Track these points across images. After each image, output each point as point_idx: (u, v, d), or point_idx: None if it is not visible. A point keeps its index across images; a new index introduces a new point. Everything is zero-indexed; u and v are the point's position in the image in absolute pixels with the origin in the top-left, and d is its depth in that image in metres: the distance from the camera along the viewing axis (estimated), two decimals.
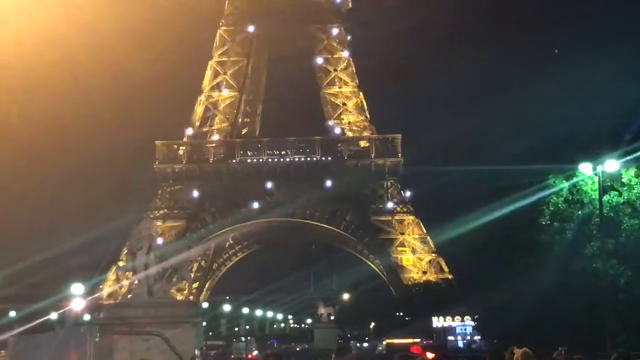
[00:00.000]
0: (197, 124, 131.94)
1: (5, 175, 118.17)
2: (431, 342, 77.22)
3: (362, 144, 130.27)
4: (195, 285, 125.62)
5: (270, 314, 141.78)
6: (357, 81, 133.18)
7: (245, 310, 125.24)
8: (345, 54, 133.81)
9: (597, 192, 39.05)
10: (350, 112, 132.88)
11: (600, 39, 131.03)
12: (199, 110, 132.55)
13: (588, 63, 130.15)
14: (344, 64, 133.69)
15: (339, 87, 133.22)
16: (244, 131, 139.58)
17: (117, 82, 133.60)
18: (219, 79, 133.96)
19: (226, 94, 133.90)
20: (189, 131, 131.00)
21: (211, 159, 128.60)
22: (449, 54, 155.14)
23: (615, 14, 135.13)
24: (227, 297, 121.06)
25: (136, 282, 23.17)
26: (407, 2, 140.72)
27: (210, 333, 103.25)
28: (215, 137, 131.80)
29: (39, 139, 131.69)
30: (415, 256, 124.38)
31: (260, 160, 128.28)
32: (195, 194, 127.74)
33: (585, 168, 38.58)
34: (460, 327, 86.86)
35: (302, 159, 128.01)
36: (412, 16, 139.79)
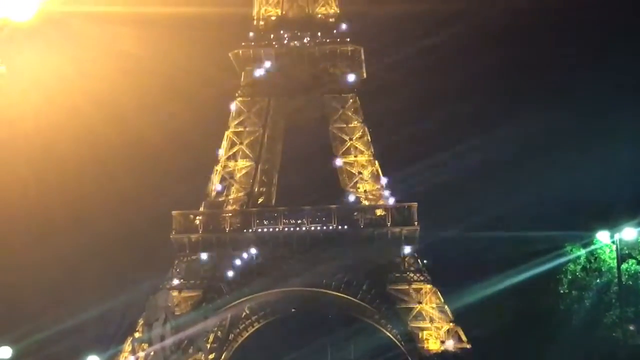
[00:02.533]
0: (214, 193, 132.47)
1: (21, 246, 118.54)
2: None
3: (379, 212, 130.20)
4: (211, 356, 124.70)
5: None
6: (373, 150, 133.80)
7: None
8: (360, 123, 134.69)
9: (615, 260, 38.85)
10: (366, 180, 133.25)
11: (618, 108, 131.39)
12: (215, 179, 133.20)
13: (606, 131, 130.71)
14: (360, 133, 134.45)
15: (355, 156, 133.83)
16: (260, 200, 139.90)
17: (135, 152, 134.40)
18: (235, 149, 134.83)
19: (242, 164, 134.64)
20: (206, 201, 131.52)
21: (227, 229, 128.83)
22: (466, 125, 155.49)
23: (632, 82, 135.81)
24: None
25: (152, 353, 23.07)
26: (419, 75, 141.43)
27: None
28: (232, 206, 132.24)
29: (56, 209, 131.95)
30: (433, 325, 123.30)
31: (277, 229, 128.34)
32: (212, 264, 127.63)
33: (603, 236, 38.50)
34: None
35: (319, 228, 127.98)
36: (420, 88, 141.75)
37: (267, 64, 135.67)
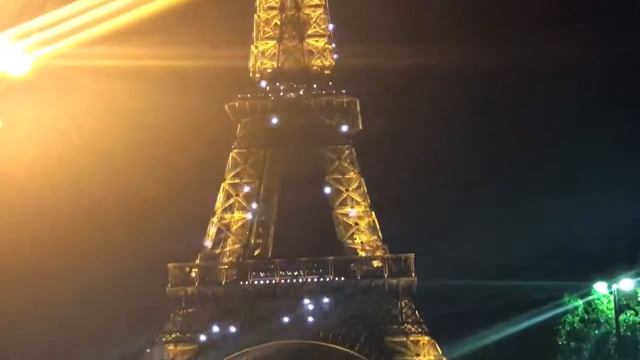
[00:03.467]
0: (210, 245, 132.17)
1: (15, 300, 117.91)
2: None
3: (375, 263, 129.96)
4: None
5: None
6: (369, 201, 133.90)
7: None
8: (356, 174, 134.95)
9: (613, 311, 38.68)
10: (363, 231, 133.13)
11: (616, 157, 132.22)
12: (211, 232, 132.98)
13: (604, 181, 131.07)
14: (356, 184, 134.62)
15: (351, 207, 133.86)
16: (256, 252, 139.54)
17: (130, 205, 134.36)
18: (231, 201, 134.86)
19: (239, 216, 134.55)
20: (202, 253, 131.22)
21: (223, 281, 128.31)
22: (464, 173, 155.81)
23: (627, 133, 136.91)
24: None
25: None
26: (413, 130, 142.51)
27: None
28: (228, 258, 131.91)
29: (50, 262, 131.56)
30: None
31: (273, 281, 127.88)
32: (207, 316, 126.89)
33: (600, 287, 38.38)
34: None
35: (315, 280, 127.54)
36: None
37: (263, 117, 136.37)
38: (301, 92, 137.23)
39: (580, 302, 42.76)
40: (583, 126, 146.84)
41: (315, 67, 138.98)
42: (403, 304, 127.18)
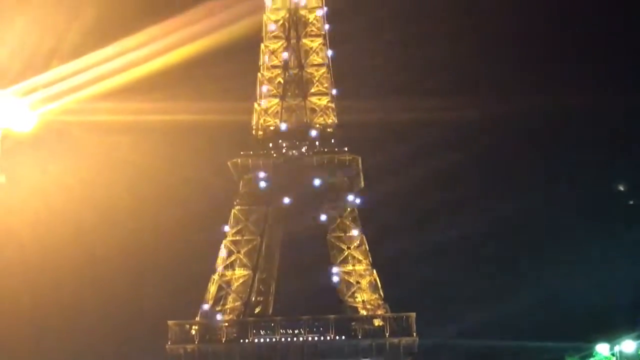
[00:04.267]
0: (210, 302, 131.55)
1: (16, 353, 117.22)
2: None
3: (377, 322, 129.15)
4: None
5: None
6: (370, 259, 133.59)
7: None
8: (358, 232, 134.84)
9: None
10: (364, 290, 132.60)
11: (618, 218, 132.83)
12: (212, 289, 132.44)
13: (606, 241, 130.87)
14: (357, 242, 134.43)
15: (353, 265, 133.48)
16: (257, 310, 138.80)
17: (131, 260, 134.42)
18: (232, 258, 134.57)
19: (240, 273, 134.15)
20: (202, 310, 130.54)
21: (224, 339, 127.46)
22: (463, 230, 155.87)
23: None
24: None
25: None
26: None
27: None
28: (228, 316, 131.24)
29: (51, 316, 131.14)
30: None
31: (274, 339, 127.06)
32: None
33: (602, 348, 38.18)
34: None
35: (316, 338, 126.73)
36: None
37: (266, 174, 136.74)
38: (303, 150, 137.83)
39: None
40: (584, 184, 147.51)
41: (317, 125, 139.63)
42: None
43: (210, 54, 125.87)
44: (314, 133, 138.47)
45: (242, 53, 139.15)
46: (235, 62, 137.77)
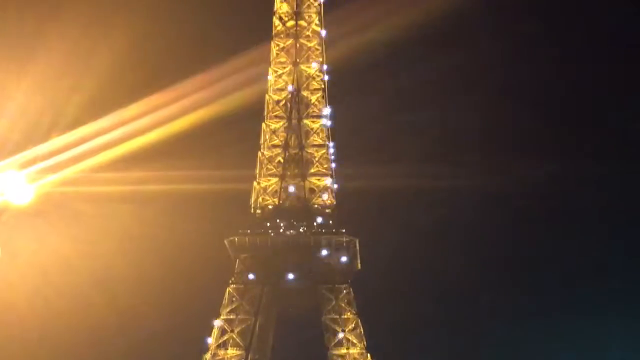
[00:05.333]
0: None
1: None
2: None
3: None
4: None
5: None
6: (365, 343, 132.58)
7: None
8: (353, 315, 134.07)
9: None
10: None
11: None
12: None
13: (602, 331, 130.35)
14: (352, 325, 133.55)
15: (347, 349, 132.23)
16: None
17: (129, 332, 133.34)
18: (225, 337, 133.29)
19: (232, 353, 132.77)
20: None
21: None
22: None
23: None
24: None
25: None
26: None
27: None
28: None
29: None
30: None
31: None
32: None
33: None
34: None
35: None
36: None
37: (263, 253, 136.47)
38: (301, 230, 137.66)
39: None
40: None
41: (316, 206, 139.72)
42: None
43: (211, 123, 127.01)
44: (312, 214, 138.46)
45: (244, 121, 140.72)
46: (236, 131, 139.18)
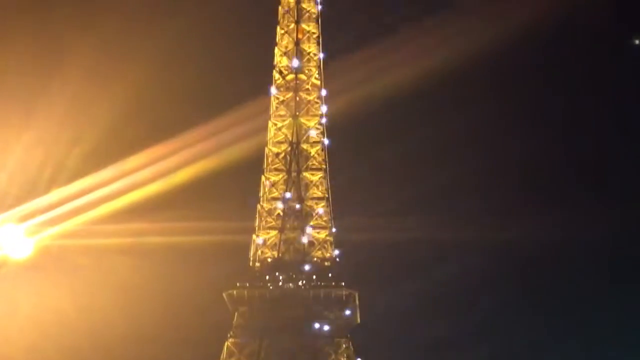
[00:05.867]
0: None
1: None
2: None
3: None
4: None
5: None
6: None
7: None
8: None
9: None
10: None
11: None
12: None
13: None
14: None
15: None
16: None
17: None
18: None
19: None
20: None
21: None
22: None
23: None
24: None
25: None
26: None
27: None
28: None
29: None
30: None
31: None
32: None
33: None
34: None
35: None
36: None
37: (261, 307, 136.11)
38: (300, 284, 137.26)
39: None
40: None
41: (315, 259, 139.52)
42: None
43: (210, 175, 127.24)
44: (311, 267, 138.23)
45: (244, 173, 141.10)
46: (236, 183, 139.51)
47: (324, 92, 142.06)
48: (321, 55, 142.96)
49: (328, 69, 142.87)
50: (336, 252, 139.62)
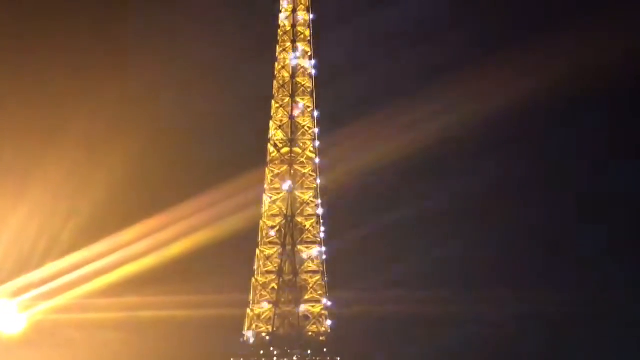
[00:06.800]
0: None
1: None
2: None
3: None
4: None
5: None
6: None
7: None
8: None
9: None
10: None
11: None
12: None
13: None
14: None
15: None
16: None
17: None
18: None
19: None
20: None
21: None
22: None
23: None
24: None
25: None
26: None
27: None
28: None
29: None
30: None
31: None
32: None
33: None
34: None
35: None
36: None
37: None
38: (295, 359, 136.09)
39: None
40: None
41: (310, 333, 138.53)
42: None
43: (204, 248, 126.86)
44: (306, 341, 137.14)
45: (238, 246, 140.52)
46: (230, 256, 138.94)
47: (317, 161, 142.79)
48: (316, 130, 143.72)
49: (323, 139, 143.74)
50: (331, 325, 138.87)
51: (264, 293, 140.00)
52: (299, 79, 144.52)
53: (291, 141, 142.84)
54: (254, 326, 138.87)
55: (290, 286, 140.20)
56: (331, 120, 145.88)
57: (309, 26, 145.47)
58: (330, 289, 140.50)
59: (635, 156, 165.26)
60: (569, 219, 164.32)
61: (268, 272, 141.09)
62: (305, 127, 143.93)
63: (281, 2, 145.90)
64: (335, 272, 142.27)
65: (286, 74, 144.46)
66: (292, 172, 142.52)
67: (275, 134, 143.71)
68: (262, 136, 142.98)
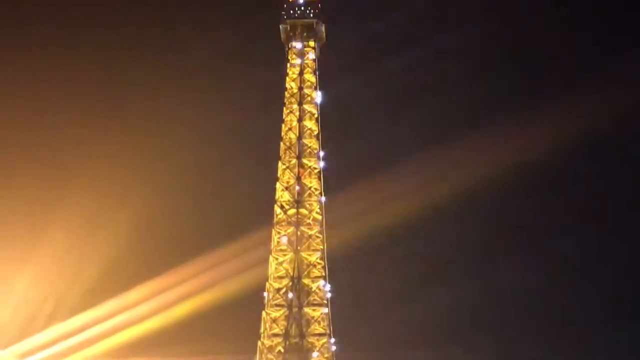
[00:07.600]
0: None
1: None
2: None
3: None
4: None
5: None
6: None
7: None
8: None
9: None
10: None
11: None
12: None
13: None
14: None
15: None
16: None
17: None
18: None
19: None
20: None
21: None
22: None
23: None
24: None
25: None
26: None
27: None
28: None
29: None
30: None
31: None
32: None
33: None
34: None
35: None
36: None
37: None
38: None
39: None
40: None
41: None
42: None
43: (210, 309, 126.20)
44: None
45: (245, 307, 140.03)
46: (236, 317, 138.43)
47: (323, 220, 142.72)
48: (323, 199, 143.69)
49: (329, 200, 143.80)
50: None
51: (270, 356, 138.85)
52: (305, 140, 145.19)
53: (297, 202, 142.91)
54: None
55: (296, 349, 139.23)
56: (338, 179, 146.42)
57: (315, 88, 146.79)
58: (338, 350, 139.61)
59: None
60: None
61: (274, 335, 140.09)
62: (312, 189, 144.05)
63: (288, 66, 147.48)
64: (344, 333, 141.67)
65: (293, 136, 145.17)
66: (299, 233, 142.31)
67: (282, 195, 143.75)
68: (269, 197, 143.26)
